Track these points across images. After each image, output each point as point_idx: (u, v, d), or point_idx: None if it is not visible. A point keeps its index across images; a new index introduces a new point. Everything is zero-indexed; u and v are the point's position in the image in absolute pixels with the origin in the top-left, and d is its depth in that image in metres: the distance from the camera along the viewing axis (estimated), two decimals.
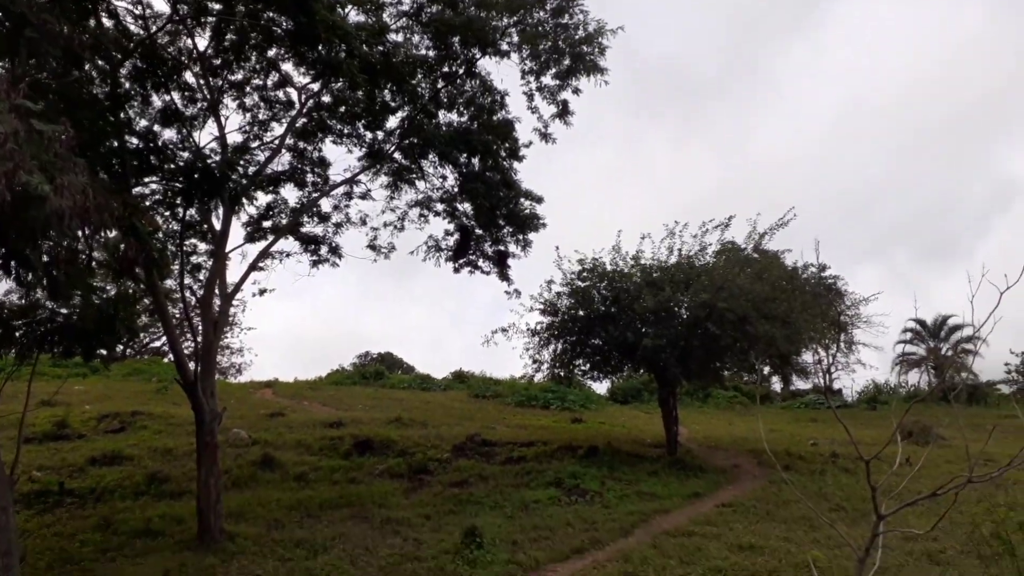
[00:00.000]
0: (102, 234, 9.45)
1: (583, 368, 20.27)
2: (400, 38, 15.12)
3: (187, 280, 15.57)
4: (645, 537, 12.36)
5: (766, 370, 19.97)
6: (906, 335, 38.12)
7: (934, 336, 38.89)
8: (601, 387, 34.97)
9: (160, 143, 13.40)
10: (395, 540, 12.47)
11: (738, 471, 16.73)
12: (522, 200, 17.18)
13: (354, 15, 14.17)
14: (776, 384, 33.09)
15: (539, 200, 17.35)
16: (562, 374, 20.33)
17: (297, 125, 15.90)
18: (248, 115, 15.87)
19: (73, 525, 12.94)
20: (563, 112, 15.60)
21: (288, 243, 17.77)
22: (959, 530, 11.19)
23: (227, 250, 14.65)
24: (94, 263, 11.45)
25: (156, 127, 14.07)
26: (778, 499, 13.96)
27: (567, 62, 14.94)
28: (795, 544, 11.54)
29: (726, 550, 11.45)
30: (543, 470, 16.28)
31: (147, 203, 14.05)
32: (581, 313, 18.82)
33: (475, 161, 16.74)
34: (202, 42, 13.85)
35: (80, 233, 8.57)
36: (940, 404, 24.79)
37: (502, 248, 18.06)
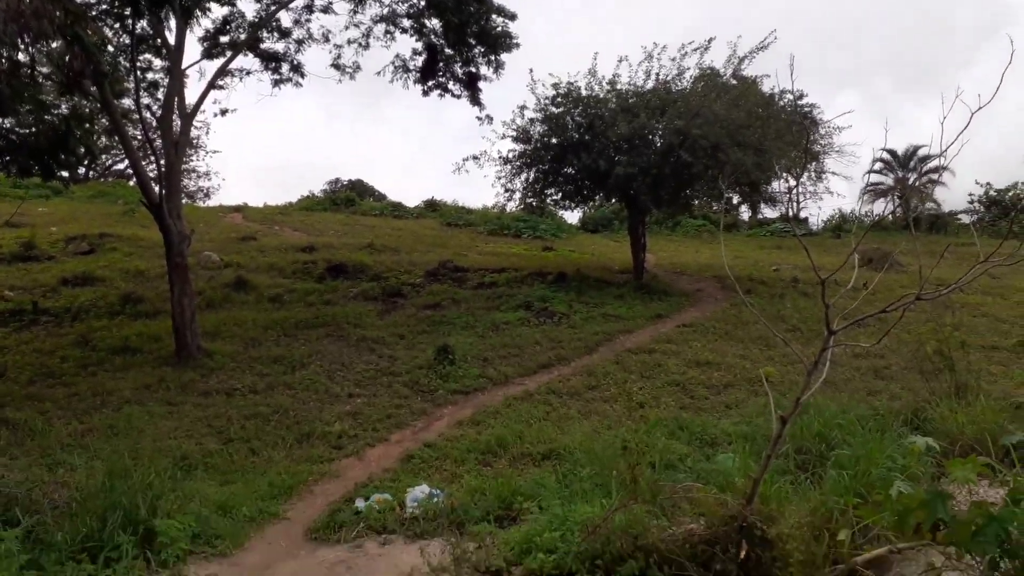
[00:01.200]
0: (44, 44, 8.87)
1: (555, 197, 20.24)
2: None
3: (145, 99, 14.91)
4: (608, 354, 12.98)
5: (735, 199, 20.13)
6: (876, 165, 38.40)
7: (903, 166, 39.22)
8: (572, 216, 35.22)
9: None
10: (370, 357, 12.96)
11: (701, 295, 17.33)
12: (494, 17, 16.29)
13: None
14: (744, 213, 33.56)
15: (512, 17, 16.49)
16: (534, 203, 20.32)
17: None
18: None
19: (51, 342, 13.19)
20: None
21: (248, 61, 16.96)
22: (905, 348, 11.87)
23: (184, 67, 13.91)
24: (40, 77, 10.84)
25: None
26: (737, 320, 14.59)
27: None
28: (750, 361, 12.21)
29: (684, 365, 12.11)
30: (513, 294, 16.71)
31: (92, 13, 13.07)
32: (554, 141, 18.48)
33: None
34: None
35: (19, 41, 8.03)
36: (901, 233, 25.48)
37: (472, 70, 17.36)
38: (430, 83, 17.66)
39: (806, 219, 33.34)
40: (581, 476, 7.76)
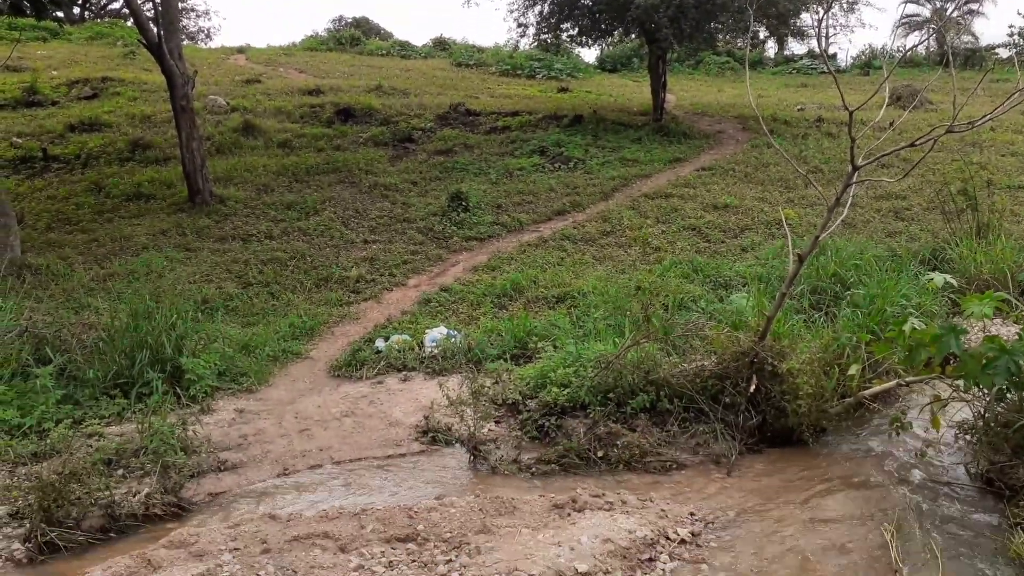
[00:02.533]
0: None
1: (571, 32, 19.19)
2: None
3: None
4: (624, 200, 12.80)
5: (762, 32, 19.06)
6: None
7: None
8: (589, 55, 33.70)
9: None
10: (384, 204, 12.87)
11: (722, 136, 16.83)
12: None
13: None
14: (770, 48, 31.94)
15: None
16: (549, 39, 19.32)
17: None
18: None
19: (64, 189, 13.16)
20: None
21: None
22: (929, 189, 11.62)
23: None
24: None
25: None
26: (758, 162, 14.24)
27: None
28: (768, 204, 12.02)
29: (701, 209, 11.96)
30: (527, 139, 16.28)
31: None
32: None
33: None
34: None
35: None
36: (934, 69, 24.24)
37: None
38: None
39: (834, 55, 31.72)
40: (595, 317, 7.87)
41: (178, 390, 6.70)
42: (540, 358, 7.08)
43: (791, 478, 5.14)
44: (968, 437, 5.16)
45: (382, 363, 7.76)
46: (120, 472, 5.39)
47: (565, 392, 6.12)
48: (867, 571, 3.96)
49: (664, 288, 7.79)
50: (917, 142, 5.61)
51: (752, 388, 5.69)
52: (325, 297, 9.50)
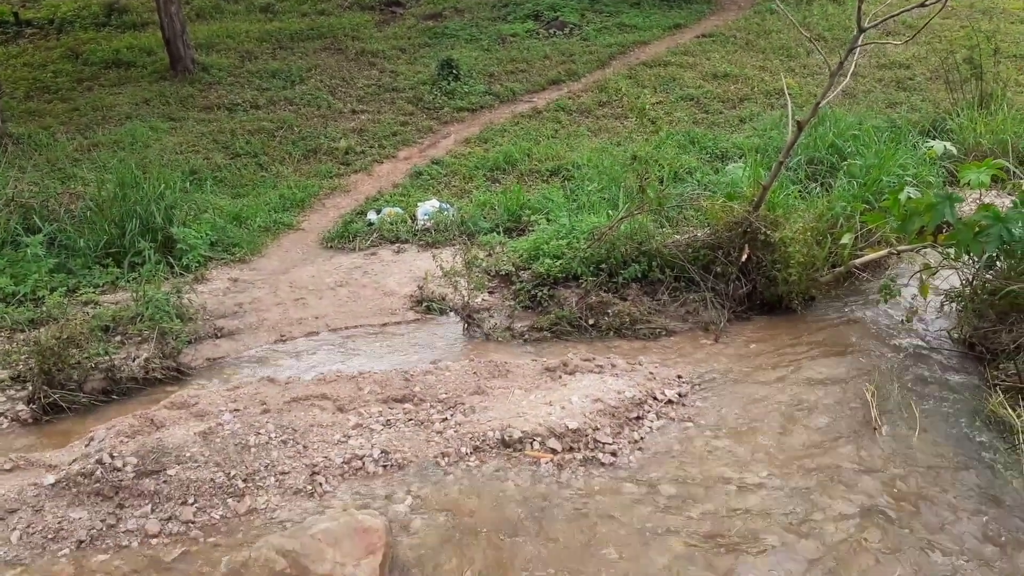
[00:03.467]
0: None
1: None
2: None
3: None
4: (621, 68, 12.39)
5: None
6: None
7: None
8: None
9: None
10: (371, 72, 12.44)
11: (724, 0, 16.10)
12: None
13: None
14: None
15: None
16: None
17: None
18: None
19: (40, 56, 12.64)
20: None
21: None
22: (934, 58, 11.25)
23: None
24: None
25: None
26: (760, 29, 13.70)
27: None
28: (769, 73, 11.66)
29: (700, 79, 11.61)
30: (521, 3, 15.52)
31: None
32: None
33: None
34: None
35: None
36: None
37: None
38: None
39: None
40: (588, 190, 7.78)
41: (170, 260, 6.69)
42: (533, 231, 7.06)
43: (778, 344, 5.26)
44: (954, 304, 5.25)
45: (374, 235, 7.73)
46: (118, 338, 5.47)
47: (558, 263, 6.14)
48: (848, 428, 4.12)
49: (660, 160, 7.66)
50: (927, 2, 5.37)
51: (744, 257, 5.71)
52: (314, 169, 9.34)
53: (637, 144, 8.36)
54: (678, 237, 6.18)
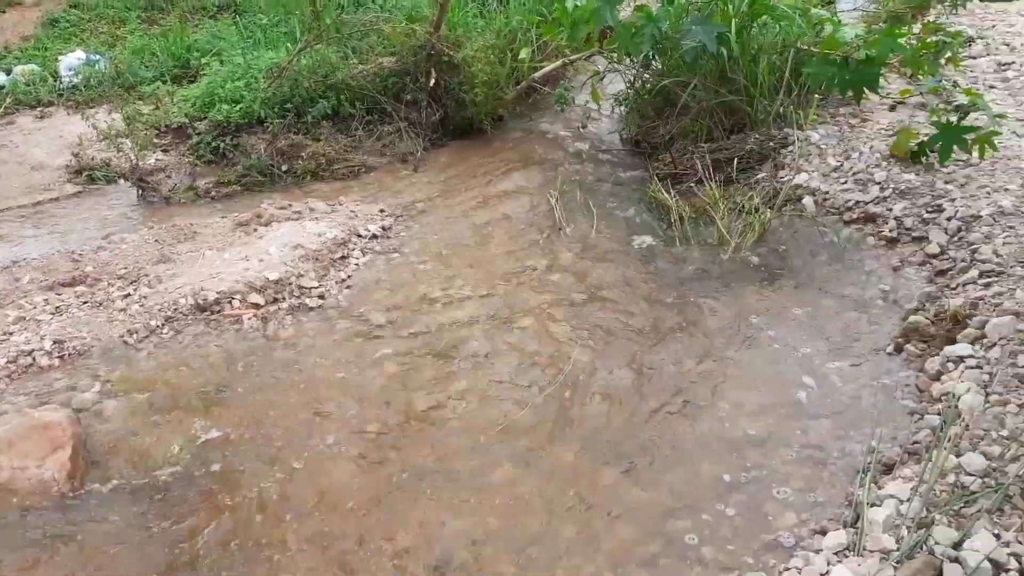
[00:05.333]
0: None
1: None
2: None
3: None
4: None
5: None
6: None
7: None
8: None
9: None
10: None
11: None
12: None
13: None
14: None
15: None
16: None
17: None
18: None
19: None
20: None
21: None
22: None
23: None
24: None
25: None
26: None
27: None
28: None
29: None
30: None
31: None
32: None
33: None
34: None
35: None
36: None
37: None
38: None
39: None
40: (263, 24, 7.07)
41: None
42: (206, 75, 6.31)
43: (473, 165, 5.37)
44: (622, 107, 5.69)
45: (8, 100, 6.44)
46: None
47: (237, 108, 5.60)
48: (538, 233, 4.39)
49: None
50: None
51: (432, 82, 5.63)
52: None
53: None
54: (365, 67, 5.90)
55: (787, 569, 2.25)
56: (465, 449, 2.88)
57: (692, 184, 4.55)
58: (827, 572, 2.18)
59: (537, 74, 5.76)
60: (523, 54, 5.58)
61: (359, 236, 4.47)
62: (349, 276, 4.10)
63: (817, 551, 2.28)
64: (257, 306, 3.83)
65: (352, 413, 3.09)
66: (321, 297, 3.91)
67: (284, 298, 3.89)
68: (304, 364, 3.40)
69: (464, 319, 3.64)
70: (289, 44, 6.36)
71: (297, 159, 5.39)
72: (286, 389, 3.24)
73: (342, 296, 3.92)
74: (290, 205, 4.76)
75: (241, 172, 5.28)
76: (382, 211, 4.77)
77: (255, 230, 4.50)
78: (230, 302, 3.81)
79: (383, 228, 4.58)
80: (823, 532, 2.37)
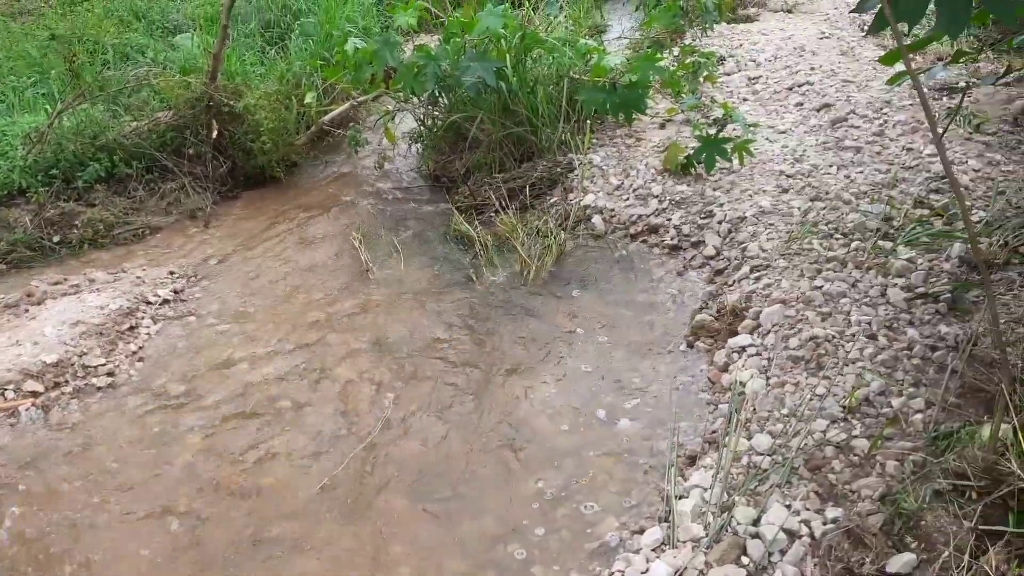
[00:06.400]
0: None
1: None
2: None
3: None
4: None
5: None
6: None
7: None
8: None
9: None
10: None
11: None
12: None
13: None
14: None
15: None
16: None
17: None
18: None
19: None
20: None
21: None
22: None
23: None
24: None
25: None
26: None
27: None
28: None
29: None
30: None
31: None
32: None
33: None
34: None
35: None
36: None
37: None
38: None
39: None
40: (15, 86, 6.43)
41: None
42: None
43: (270, 215, 5.19)
44: (417, 144, 5.75)
45: None
46: None
47: None
48: (346, 277, 4.31)
49: (97, 37, 6.64)
50: None
51: (214, 134, 5.39)
52: None
53: (50, 18, 7.10)
54: (139, 124, 5.53)
55: (611, 573, 2.34)
56: (286, 513, 2.74)
57: (492, 214, 4.68)
58: (647, 570, 2.29)
59: (326, 117, 5.69)
60: (309, 98, 5.50)
61: (148, 303, 4.15)
62: (141, 347, 3.80)
63: (637, 550, 2.39)
64: (36, 394, 3.44)
65: (156, 497, 2.84)
66: (110, 374, 3.58)
67: (67, 381, 3.53)
68: (95, 453, 3.09)
69: (272, 377, 3.48)
70: (48, 106, 5.83)
71: (71, 228, 4.93)
72: (76, 483, 2.93)
73: (134, 370, 3.62)
74: (66, 279, 4.34)
75: (5, 249, 4.73)
76: (172, 273, 4.47)
77: (26, 311, 4.05)
78: (2, 394, 3.40)
79: (175, 292, 4.29)
80: (641, 531, 2.49)
